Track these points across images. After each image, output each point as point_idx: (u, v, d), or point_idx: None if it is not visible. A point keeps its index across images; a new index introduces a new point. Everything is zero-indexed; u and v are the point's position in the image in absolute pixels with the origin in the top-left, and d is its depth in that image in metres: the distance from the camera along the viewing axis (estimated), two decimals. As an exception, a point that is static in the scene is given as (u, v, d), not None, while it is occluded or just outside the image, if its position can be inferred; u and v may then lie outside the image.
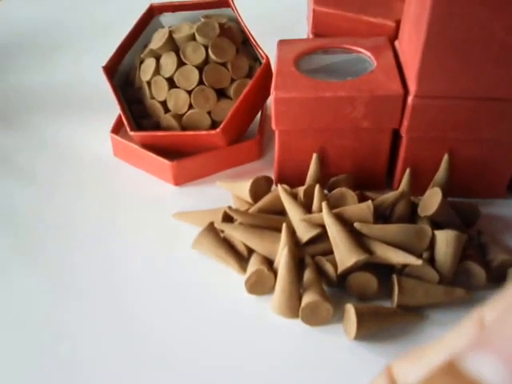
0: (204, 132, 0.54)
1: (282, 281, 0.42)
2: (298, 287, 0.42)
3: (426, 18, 0.42)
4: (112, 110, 0.58)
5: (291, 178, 0.53)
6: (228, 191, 0.53)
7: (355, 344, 0.41)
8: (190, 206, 0.53)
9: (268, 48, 0.56)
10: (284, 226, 0.45)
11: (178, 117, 0.55)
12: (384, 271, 0.44)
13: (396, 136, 0.51)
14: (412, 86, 0.46)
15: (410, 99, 0.47)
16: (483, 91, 0.45)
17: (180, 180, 0.56)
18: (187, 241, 0.49)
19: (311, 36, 0.61)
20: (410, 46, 0.48)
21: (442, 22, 0.42)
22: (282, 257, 0.43)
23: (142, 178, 0.58)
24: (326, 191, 0.50)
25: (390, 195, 0.48)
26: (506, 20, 0.41)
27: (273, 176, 0.54)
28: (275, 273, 0.44)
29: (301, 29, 0.68)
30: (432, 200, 0.47)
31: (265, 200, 0.50)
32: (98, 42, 0.84)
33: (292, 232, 0.46)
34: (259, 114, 0.61)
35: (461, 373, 0.11)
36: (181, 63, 0.54)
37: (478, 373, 0.11)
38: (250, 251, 0.47)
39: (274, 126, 0.50)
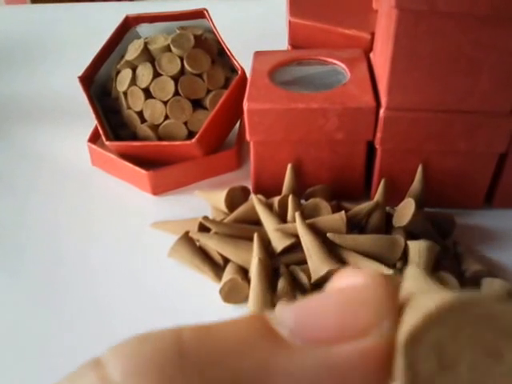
0: (180, 142, 0.54)
1: (254, 290, 0.43)
2: (271, 296, 0.43)
3: (392, 31, 0.43)
4: (90, 119, 0.58)
5: (268, 188, 0.53)
6: (205, 201, 0.54)
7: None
8: (167, 216, 0.54)
9: (248, 58, 0.56)
10: (255, 235, 0.45)
11: (155, 127, 0.55)
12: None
13: (371, 147, 0.51)
14: (383, 99, 0.47)
15: (381, 111, 0.47)
16: (453, 104, 0.46)
17: (158, 189, 0.56)
18: (164, 250, 0.49)
19: (289, 47, 0.61)
20: (381, 59, 0.48)
21: (408, 35, 0.42)
22: (253, 266, 0.43)
23: (119, 187, 0.58)
24: (303, 201, 0.50)
25: (364, 206, 0.48)
26: (472, 34, 0.42)
27: (250, 186, 0.54)
28: (249, 282, 0.45)
29: (282, 39, 0.68)
30: (406, 211, 0.47)
31: (240, 210, 0.50)
32: (75, 52, 0.84)
33: (267, 241, 0.46)
34: (238, 124, 0.62)
35: (268, 321, 0.13)
36: (156, 74, 0.55)
37: (275, 316, 0.13)
38: (226, 260, 0.47)
39: (248, 137, 0.50)
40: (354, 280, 0.15)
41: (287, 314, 0.13)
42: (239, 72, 0.56)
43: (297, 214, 0.45)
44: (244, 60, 0.57)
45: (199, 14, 0.59)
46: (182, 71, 0.55)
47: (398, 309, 0.14)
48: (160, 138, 0.56)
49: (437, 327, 0.12)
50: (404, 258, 0.45)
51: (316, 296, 0.14)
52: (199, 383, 0.11)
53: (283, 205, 0.49)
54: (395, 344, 0.13)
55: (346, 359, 0.13)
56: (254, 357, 0.12)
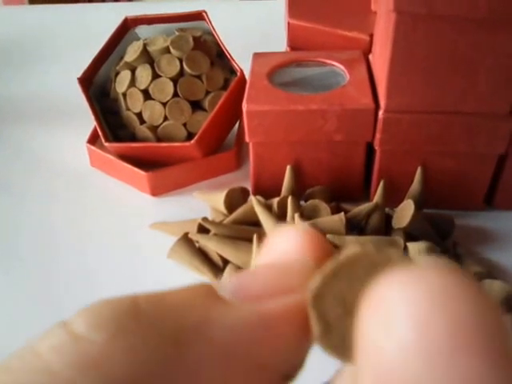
0: (179, 144, 0.54)
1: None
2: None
3: (391, 34, 0.43)
4: (89, 120, 0.58)
5: (268, 189, 0.53)
6: (204, 202, 0.54)
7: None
8: (167, 217, 0.54)
9: (247, 60, 0.56)
10: (255, 237, 0.45)
11: (154, 128, 0.55)
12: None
13: (370, 149, 0.51)
14: (382, 100, 0.47)
15: (380, 113, 0.47)
16: (452, 106, 0.46)
17: (157, 190, 0.56)
18: (164, 251, 0.49)
19: (288, 49, 0.61)
20: (380, 61, 0.48)
21: (406, 38, 0.43)
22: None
23: (118, 188, 0.58)
24: (303, 202, 0.50)
25: (364, 207, 0.48)
26: (470, 37, 0.42)
27: (250, 187, 0.54)
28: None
29: (280, 41, 0.68)
30: (405, 212, 0.47)
31: (239, 211, 0.50)
32: (73, 53, 0.84)
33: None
34: (237, 125, 0.62)
35: (211, 286, 0.15)
36: (156, 75, 0.55)
37: (221, 286, 0.15)
38: (226, 261, 0.47)
39: (247, 139, 0.50)
40: (287, 241, 0.17)
41: (229, 281, 0.16)
42: (238, 73, 0.56)
43: (296, 215, 0.45)
44: (243, 61, 0.57)
45: (198, 16, 0.59)
46: (181, 73, 0.55)
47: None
48: (159, 139, 0.56)
49: (334, 281, 0.14)
50: (403, 259, 0.45)
51: (256, 267, 0.16)
52: (149, 332, 0.13)
53: (282, 206, 0.49)
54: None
55: (274, 311, 0.14)
56: (196, 312, 0.14)
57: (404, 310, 0.11)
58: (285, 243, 0.17)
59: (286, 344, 0.15)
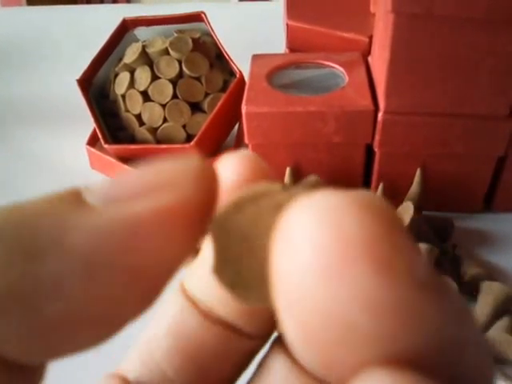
0: (178, 145, 0.54)
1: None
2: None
3: (389, 35, 0.43)
4: (88, 122, 0.58)
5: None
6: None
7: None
8: (165, 219, 0.53)
9: (246, 62, 0.56)
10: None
11: (153, 130, 0.55)
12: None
13: (370, 151, 0.51)
14: (381, 102, 0.47)
15: (380, 115, 0.47)
16: (451, 107, 0.46)
17: (156, 193, 0.56)
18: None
19: (287, 51, 0.61)
20: (379, 62, 0.48)
21: (405, 39, 0.43)
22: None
23: (118, 190, 0.58)
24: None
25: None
26: (469, 38, 0.42)
27: (248, 189, 0.54)
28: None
29: (279, 43, 0.68)
30: (404, 214, 0.47)
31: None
32: (72, 54, 0.84)
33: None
34: (236, 127, 0.62)
35: (79, 194, 0.13)
36: (155, 77, 0.55)
37: (87, 191, 0.13)
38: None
39: (246, 140, 0.50)
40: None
41: (99, 185, 0.14)
42: (237, 75, 0.56)
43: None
44: (242, 63, 0.57)
45: (197, 18, 0.59)
46: (181, 74, 0.55)
47: (210, 185, 0.14)
48: (158, 141, 0.56)
49: (238, 216, 0.14)
50: (402, 261, 0.45)
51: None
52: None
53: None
54: (198, 209, 0.13)
55: (143, 211, 0.13)
56: (52, 216, 0.12)
57: (302, 235, 0.11)
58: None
59: (161, 248, 0.13)
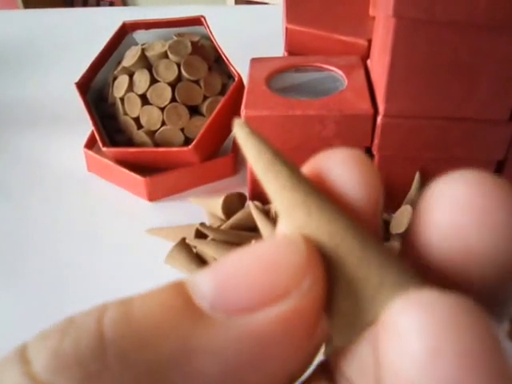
0: (176, 149, 0.54)
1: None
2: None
3: (390, 39, 0.43)
4: (85, 125, 0.57)
5: (265, 194, 0.53)
6: (202, 207, 0.53)
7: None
8: (164, 222, 0.53)
9: (245, 65, 0.56)
10: (253, 242, 0.45)
11: (151, 133, 0.55)
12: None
13: (369, 154, 0.51)
14: (381, 106, 0.47)
15: (379, 119, 0.47)
16: (451, 111, 0.46)
17: (154, 196, 0.56)
18: (161, 256, 0.48)
19: (286, 54, 0.61)
20: (379, 66, 0.48)
21: (406, 43, 0.43)
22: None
23: (115, 193, 0.58)
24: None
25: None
26: (470, 42, 0.42)
27: (247, 192, 0.54)
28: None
29: (278, 46, 0.68)
30: (403, 218, 0.47)
31: (237, 216, 0.50)
32: (70, 57, 0.84)
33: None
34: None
35: (187, 292, 0.13)
36: (153, 80, 0.54)
37: (195, 286, 0.13)
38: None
39: (245, 144, 0.50)
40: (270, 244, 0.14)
41: (206, 284, 0.13)
42: (236, 79, 0.56)
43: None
44: (241, 66, 0.57)
45: (196, 21, 0.59)
46: (179, 78, 0.55)
47: (319, 264, 0.14)
48: (156, 144, 0.56)
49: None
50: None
51: (233, 258, 0.14)
52: (122, 371, 0.11)
53: (280, 212, 0.48)
54: (319, 303, 0.13)
55: (267, 326, 0.12)
56: (174, 337, 0.12)
57: (417, 337, 0.11)
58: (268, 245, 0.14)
59: (285, 360, 0.13)
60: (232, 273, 0.13)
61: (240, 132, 0.15)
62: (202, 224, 0.49)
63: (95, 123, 0.57)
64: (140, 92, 0.55)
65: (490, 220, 0.13)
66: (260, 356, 0.12)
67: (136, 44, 0.59)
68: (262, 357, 0.12)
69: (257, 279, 0.13)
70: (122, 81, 0.56)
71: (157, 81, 0.55)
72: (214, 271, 0.13)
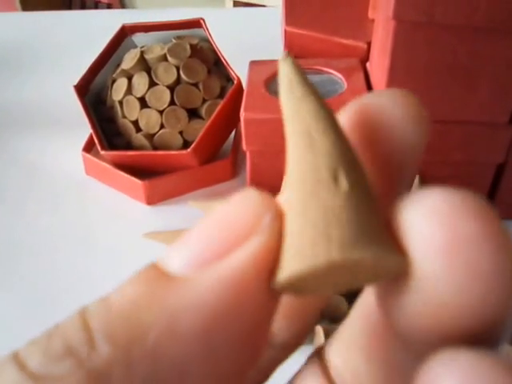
0: (175, 152, 0.54)
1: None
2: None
3: (389, 42, 0.43)
4: (84, 128, 0.57)
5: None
6: (201, 211, 0.53)
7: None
8: (162, 226, 0.53)
9: (243, 67, 0.56)
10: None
11: (150, 136, 0.55)
12: (354, 292, 0.44)
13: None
14: (380, 109, 0.47)
15: (378, 121, 0.47)
16: (450, 114, 0.46)
17: (152, 199, 0.56)
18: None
19: (284, 56, 0.61)
20: (378, 69, 0.48)
21: (405, 46, 0.42)
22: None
23: (114, 196, 0.58)
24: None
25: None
26: (469, 45, 0.42)
27: (245, 196, 0.54)
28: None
29: (277, 49, 0.68)
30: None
31: (236, 220, 0.49)
32: (68, 60, 0.84)
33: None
34: (233, 133, 0.61)
35: (157, 266, 0.13)
36: (152, 83, 0.54)
37: (168, 262, 0.13)
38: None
39: (244, 147, 0.50)
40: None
41: (176, 254, 0.13)
42: (235, 81, 0.56)
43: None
44: (240, 69, 0.57)
45: (195, 24, 0.59)
46: (178, 81, 0.55)
47: (275, 207, 0.14)
48: (155, 148, 0.55)
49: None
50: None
51: (197, 225, 0.14)
52: (111, 351, 0.12)
53: (280, 215, 0.48)
54: (281, 235, 0.13)
55: (238, 268, 0.13)
56: (154, 307, 0.12)
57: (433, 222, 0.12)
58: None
59: (255, 301, 0.13)
60: (195, 235, 0.13)
61: (282, 62, 0.15)
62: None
63: (93, 126, 0.56)
64: (139, 95, 0.54)
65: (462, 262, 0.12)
66: (238, 301, 0.12)
67: (135, 47, 0.59)
68: (241, 302, 0.12)
69: (218, 230, 0.13)
70: (121, 84, 0.56)
71: (156, 84, 0.54)
72: (180, 240, 0.14)
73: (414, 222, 0.12)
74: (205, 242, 0.13)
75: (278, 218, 0.13)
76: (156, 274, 0.13)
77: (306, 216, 0.13)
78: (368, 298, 0.16)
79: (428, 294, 0.12)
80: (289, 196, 0.14)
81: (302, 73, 0.15)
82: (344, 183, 0.13)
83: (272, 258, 0.13)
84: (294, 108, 0.14)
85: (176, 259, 0.13)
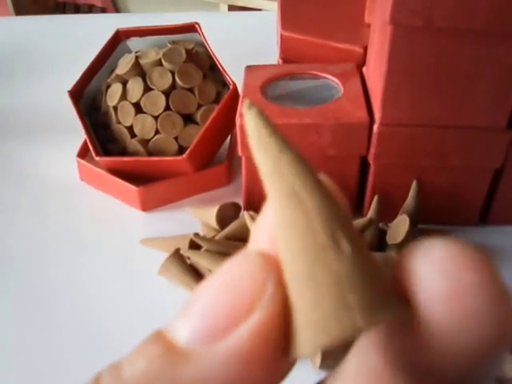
0: (170, 158, 0.54)
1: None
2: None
3: (386, 47, 0.42)
4: (78, 134, 0.57)
5: (260, 204, 0.51)
6: (196, 217, 0.53)
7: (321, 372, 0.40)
8: (157, 232, 0.53)
9: (239, 72, 0.56)
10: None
11: (145, 142, 0.55)
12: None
13: (364, 163, 0.50)
14: (377, 114, 0.46)
15: (375, 127, 0.46)
16: (448, 119, 0.46)
17: (147, 205, 0.56)
18: (154, 267, 0.48)
19: (280, 61, 0.61)
20: (375, 73, 0.48)
21: (403, 51, 0.42)
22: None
23: (108, 202, 0.57)
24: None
25: (357, 222, 0.47)
26: (467, 50, 0.42)
27: (241, 202, 0.53)
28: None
29: (273, 53, 0.68)
30: (400, 228, 0.46)
31: (232, 227, 0.49)
32: (62, 65, 0.83)
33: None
34: (228, 139, 0.61)
35: (166, 338, 0.14)
36: (147, 88, 0.54)
37: (172, 331, 0.14)
38: (218, 278, 0.46)
39: (240, 153, 0.49)
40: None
41: (181, 325, 0.14)
42: (231, 87, 0.56)
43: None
44: (235, 74, 0.57)
45: (191, 28, 0.58)
46: (173, 86, 0.54)
47: (277, 271, 0.14)
48: (150, 153, 0.55)
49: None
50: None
51: (198, 292, 0.15)
52: None
53: (276, 221, 0.48)
54: (285, 308, 0.13)
55: (244, 343, 0.13)
56: (164, 381, 0.13)
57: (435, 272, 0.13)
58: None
59: (266, 374, 0.14)
60: (200, 307, 0.14)
61: (248, 115, 0.15)
62: (196, 234, 0.48)
63: (88, 132, 0.56)
64: (133, 100, 0.54)
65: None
66: (248, 374, 0.13)
67: (130, 51, 0.59)
68: (251, 374, 0.13)
69: (222, 303, 0.14)
70: (116, 89, 0.55)
71: (151, 89, 0.54)
72: (185, 310, 0.14)
73: (419, 273, 0.13)
74: (210, 314, 0.14)
75: (281, 285, 0.14)
76: (165, 346, 0.14)
77: (316, 283, 0.13)
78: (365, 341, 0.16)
79: (431, 336, 0.13)
80: (287, 258, 0.14)
81: (271, 124, 0.15)
82: (347, 247, 0.13)
83: (279, 327, 0.13)
84: (271, 165, 0.14)
85: (183, 331, 0.14)
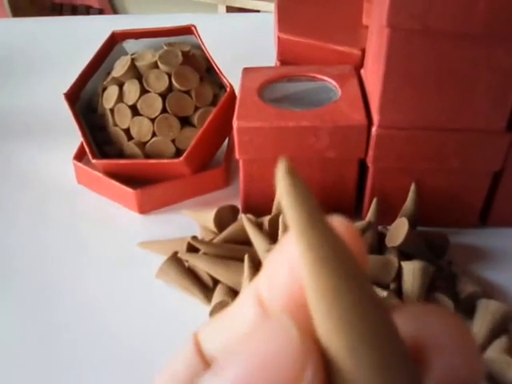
0: (167, 160, 0.53)
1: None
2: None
3: (384, 50, 0.42)
4: (75, 136, 0.56)
5: (258, 206, 0.52)
6: (194, 220, 0.53)
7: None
8: (155, 235, 0.52)
9: (236, 74, 0.56)
10: (246, 257, 0.44)
11: (142, 144, 0.54)
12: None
13: (363, 166, 0.50)
14: (375, 117, 0.46)
15: (373, 130, 0.46)
16: (447, 122, 0.45)
17: (145, 208, 0.55)
18: (152, 270, 0.48)
19: (278, 63, 0.61)
20: (373, 76, 0.47)
21: (400, 54, 0.42)
22: (244, 288, 0.42)
23: (106, 205, 0.57)
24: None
25: (356, 225, 0.47)
26: (465, 52, 0.41)
27: (239, 205, 0.53)
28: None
29: (270, 55, 0.67)
30: (399, 230, 0.46)
31: (230, 230, 0.49)
32: (59, 67, 0.83)
33: (258, 262, 0.45)
34: (226, 141, 0.61)
35: None
36: (144, 91, 0.53)
37: None
38: (216, 281, 0.46)
39: (237, 156, 0.49)
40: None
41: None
42: (228, 89, 0.55)
43: (288, 234, 0.44)
44: (232, 76, 0.56)
45: (187, 30, 0.58)
46: (170, 88, 0.54)
47: (315, 348, 0.14)
48: (147, 156, 0.55)
49: None
50: (398, 278, 0.44)
51: (227, 356, 0.14)
52: None
53: (274, 224, 0.48)
54: None
55: None
56: None
57: None
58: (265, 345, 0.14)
59: None
60: (232, 375, 0.14)
61: (283, 182, 0.14)
62: (194, 237, 0.48)
63: (84, 134, 0.56)
64: (130, 103, 0.54)
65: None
66: None
67: (126, 54, 0.58)
68: None
69: (256, 381, 0.13)
70: (112, 91, 0.55)
71: (147, 91, 0.54)
72: (215, 376, 0.14)
73: (430, 336, 0.15)
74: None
75: (320, 369, 0.13)
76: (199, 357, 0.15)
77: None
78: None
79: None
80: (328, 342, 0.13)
81: (312, 198, 0.14)
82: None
83: None
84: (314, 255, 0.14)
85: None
